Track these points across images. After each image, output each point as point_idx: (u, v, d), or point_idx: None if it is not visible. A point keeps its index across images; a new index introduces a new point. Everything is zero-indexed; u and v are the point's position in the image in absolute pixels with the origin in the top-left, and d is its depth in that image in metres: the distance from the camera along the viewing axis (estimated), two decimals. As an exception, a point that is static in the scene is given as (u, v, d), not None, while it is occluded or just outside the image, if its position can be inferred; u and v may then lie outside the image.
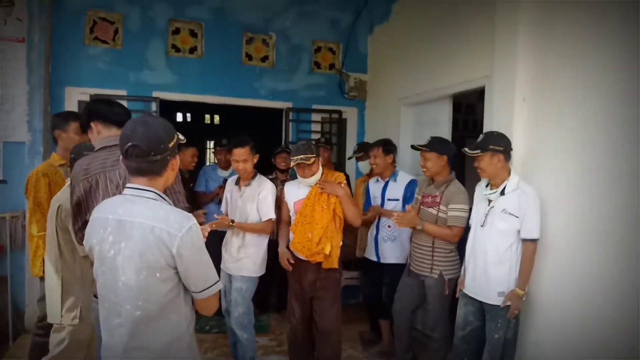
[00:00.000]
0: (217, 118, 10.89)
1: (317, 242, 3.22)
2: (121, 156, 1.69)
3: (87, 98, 4.68)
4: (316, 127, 5.53)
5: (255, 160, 3.46)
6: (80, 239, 2.39)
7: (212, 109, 9.07)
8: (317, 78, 5.50)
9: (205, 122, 10.72)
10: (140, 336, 1.66)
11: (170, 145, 1.70)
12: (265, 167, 4.23)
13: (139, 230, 1.62)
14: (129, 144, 1.64)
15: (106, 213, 1.70)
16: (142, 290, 1.64)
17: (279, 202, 3.59)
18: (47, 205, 2.92)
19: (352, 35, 5.55)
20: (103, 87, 4.72)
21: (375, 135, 5.00)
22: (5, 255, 4.21)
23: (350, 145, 5.51)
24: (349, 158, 5.17)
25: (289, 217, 3.43)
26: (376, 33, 5.49)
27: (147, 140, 1.65)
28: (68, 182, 2.69)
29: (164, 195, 1.73)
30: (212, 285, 1.72)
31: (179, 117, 10.05)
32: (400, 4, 4.99)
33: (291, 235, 3.37)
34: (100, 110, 2.30)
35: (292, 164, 3.24)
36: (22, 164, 4.30)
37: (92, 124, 2.30)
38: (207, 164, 8.76)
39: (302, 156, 3.17)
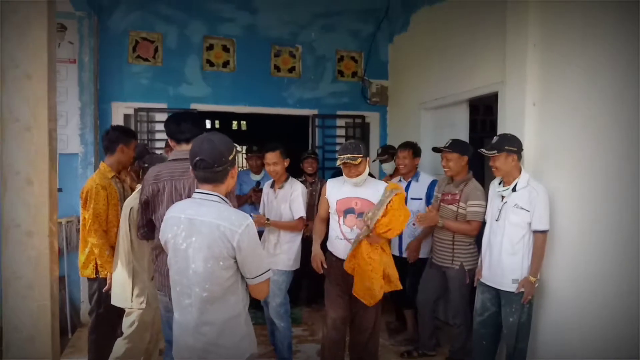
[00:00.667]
0: (243, 124, 11.26)
1: (379, 289, 3.17)
2: (191, 167, 2.08)
3: (131, 111, 5.13)
4: (340, 132, 5.87)
5: (286, 164, 3.81)
6: (142, 235, 2.80)
7: (240, 116, 9.48)
8: (341, 86, 5.85)
9: (233, 128, 11.08)
10: (206, 313, 2.04)
11: (230, 157, 2.08)
12: (293, 171, 4.58)
13: (206, 227, 2.00)
14: (197, 158, 2.03)
15: (179, 213, 2.09)
16: (208, 276, 2.01)
17: (312, 200, 3.74)
18: (104, 216, 3.27)
19: (373, 45, 5.89)
20: (146, 101, 5.15)
21: (397, 138, 5.32)
22: (62, 257, 4.65)
23: (374, 148, 5.83)
24: (374, 160, 5.50)
25: (327, 214, 3.45)
26: (396, 42, 5.81)
27: (211, 155, 2.02)
28: (138, 187, 3.10)
29: (225, 199, 2.11)
30: (263, 273, 2.08)
31: (208, 124, 10.42)
32: (418, 14, 5.30)
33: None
34: (170, 130, 2.70)
35: (338, 162, 3.23)
36: (76, 174, 4.76)
37: (168, 140, 2.72)
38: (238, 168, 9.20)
39: (348, 155, 3.16)
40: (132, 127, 5.10)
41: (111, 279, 3.21)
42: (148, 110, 5.14)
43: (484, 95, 4.20)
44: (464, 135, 4.60)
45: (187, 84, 5.31)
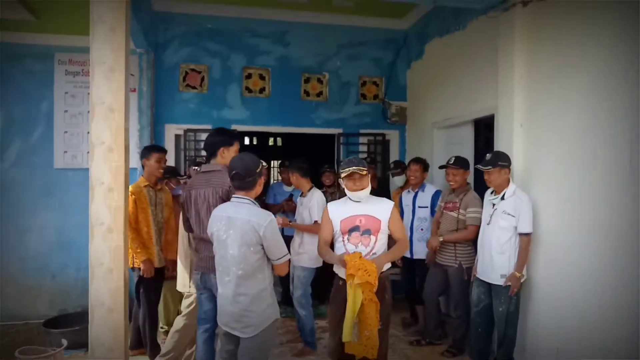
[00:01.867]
0: (279, 141, 12.04)
1: (375, 341, 3.09)
2: (229, 177, 2.83)
3: (181, 132, 5.99)
4: (363, 148, 6.55)
5: (307, 177, 4.51)
6: (186, 228, 3.55)
7: (275, 134, 10.27)
8: (364, 107, 6.54)
9: (269, 144, 11.88)
10: (241, 287, 2.75)
11: (257, 171, 2.82)
12: (320, 183, 5.27)
13: (240, 222, 2.72)
14: (233, 172, 2.78)
15: (221, 212, 2.83)
16: (242, 259, 2.73)
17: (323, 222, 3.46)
18: (133, 217, 4.04)
19: (393, 70, 6.57)
20: (193, 123, 5.99)
21: (414, 153, 5.94)
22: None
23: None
24: (386, 173, 6.14)
25: (331, 237, 3.34)
26: (413, 68, 6.47)
27: (243, 169, 2.77)
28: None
29: (254, 201, 2.84)
30: (284, 256, 2.78)
31: (247, 141, 11.20)
32: (431, 45, 5.96)
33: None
34: (209, 144, 3.48)
35: (343, 175, 3.21)
36: (135, 185, 5.61)
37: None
38: (272, 180, 9.99)
39: (354, 167, 3.16)
40: (182, 146, 5.96)
41: (143, 265, 4.03)
42: (195, 131, 5.97)
43: (484, 116, 4.79)
44: (469, 152, 5.20)
45: (229, 108, 6.13)
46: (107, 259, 3.30)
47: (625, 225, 3.10)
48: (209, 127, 5.99)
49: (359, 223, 3.22)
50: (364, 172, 3.18)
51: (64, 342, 3.77)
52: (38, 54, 5.50)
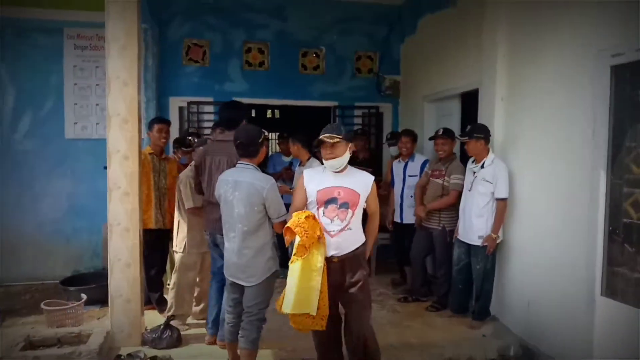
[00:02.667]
0: (277, 113, 12.26)
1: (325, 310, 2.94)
2: (235, 146, 3.17)
3: (184, 104, 6.29)
4: (358, 120, 6.87)
5: (307, 149, 4.85)
6: (197, 190, 3.91)
7: (273, 107, 10.51)
8: (359, 81, 6.83)
9: (267, 117, 12.12)
10: (245, 241, 3.13)
11: (259, 140, 3.17)
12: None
13: (245, 185, 3.08)
14: (238, 141, 3.13)
15: (228, 177, 3.19)
16: (246, 217, 3.10)
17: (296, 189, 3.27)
18: (144, 179, 4.29)
19: (387, 45, 6.83)
20: (196, 96, 6.29)
21: (406, 125, 6.24)
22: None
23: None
24: (383, 143, 6.48)
25: (303, 205, 3.13)
26: (406, 43, 6.74)
27: (247, 138, 3.13)
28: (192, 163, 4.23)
29: (257, 167, 3.20)
30: (282, 215, 3.15)
31: (253, 113, 11.40)
32: (423, 20, 6.22)
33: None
34: (222, 116, 3.83)
35: (315, 142, 3.10)
36: (142, 155, 5.94)
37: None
38: (271, 151, 10.35)
39: (326, 135, 2.99)
40: (186, 117, 6.27)
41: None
42: (198, 103, 6.27)
43: (470, 90, 5.10)
44: (456, 124, 5.54)
45: (230, 81, 6.41)
46: (123, 220, 3.68)
47: (586, 193, 3.45)
48: (210, 99, 6.30)
49: (337, 195, 3.01)
50: (335, 140, 2.94)
51: (83, 296, 4.18)
52: (47, 28, 5.71)
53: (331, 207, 3.04)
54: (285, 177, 6.11)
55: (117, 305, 3.68)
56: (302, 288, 2.85)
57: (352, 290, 3.07)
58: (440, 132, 4.83)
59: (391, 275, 5.85)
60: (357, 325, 3.17)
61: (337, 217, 3.03)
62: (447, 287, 4.83)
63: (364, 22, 6.74)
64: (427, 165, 5.11)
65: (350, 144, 3.09)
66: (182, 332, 3.93)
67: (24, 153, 5.66)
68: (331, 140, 2.97)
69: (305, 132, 4.96)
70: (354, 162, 5.77)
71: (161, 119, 4.91)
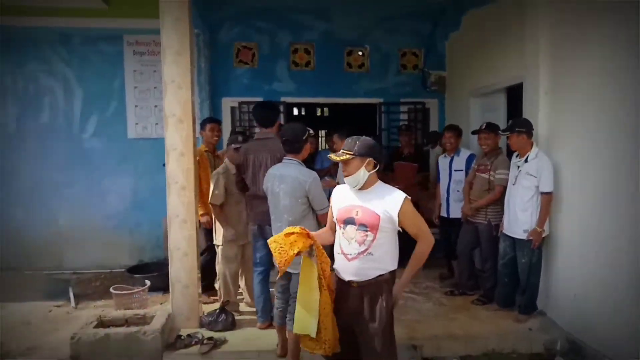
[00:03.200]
0: (326, 111, 12.50)
1: (328, 334, 2.72)
2: (281, 142, 3.40)
3: (236, 104, 6.61)
4: (404, 116, 6.95)
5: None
6: (239, 188, 4.16)
7: (323, 105, 10.76)
8: (404, 77, 6.91)
9: (317, 115, 12.39)
10: (292, 233, 3.34)
11: (304, 137, 3.38)
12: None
13: (290, 179, 3.30)
14: (284, 138, 3.36)
15: (274, 171, 3.42)
16: (291, 208, 3.31)
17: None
18: (203, 175, 4.64)
19: (432, 41, 6.88)
20: (246, 96, 6.59)
21: (452, 120, 6.29)
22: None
23: (434, 129, 6.86)
24: (424, 148, 6.52)
25: (334, 224, 2.93)
26: (451, 39, 6.76)
27: (293, 136, 3.34)
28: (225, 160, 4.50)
29: (301, 162, 3.40)
30: (325, 207, 3.34)
31: (295, 111, 11.73)
32: (467, 16, 6.23)
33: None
34: (256, 115, 4.07)
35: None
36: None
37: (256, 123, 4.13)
38: (320, 148, 10.60)
39: (334, 154, 2.82)
40: (237, 117, 6.58)
41: (202, 219, 4.66)
42: (248, 103, 6.57)
43: (515, 84, 5.08)
44: (502, 118, 5.52)
45: (278, 81, 6.68)
46: (181, 212, 3.98)
47: (631, 187, 3.41)
48: (260, 99, 6.56)
49: (355, 215, 2.75)
50: (344, 157, 2.72)
51: (147, 282, 4.55)
52: (109, 36, 6.16)
53: (349, 227, 2.77)
54: (333, 172, 6.29)
55: (177, 291, 4.00)
56: (301, 308, 2.75)
57: (372, 326, 2.72)
58: (483, 126, 4.87)
59: (439, 270, 5.91)
60: (371, 356, 2.74)
61: (354, 239, 2.74)
62: (493, 281, 4.86)
63: (408, 20, 6.81)
64: (474, 160, 5.14)
65: (368, 159, 2.72)
66: (236, 317, 4.19)
67: (91, 151, 6.16)
68: (338, 158, 2.74)
69: (349, 128, 5.12)
70: (399, 157, 6.00)
71: (212, 119, 5.24)
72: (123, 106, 6.21)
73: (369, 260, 2.72)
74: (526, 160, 4.29)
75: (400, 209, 2.71)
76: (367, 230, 2.71)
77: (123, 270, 5.53)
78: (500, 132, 4.37)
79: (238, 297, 4.63)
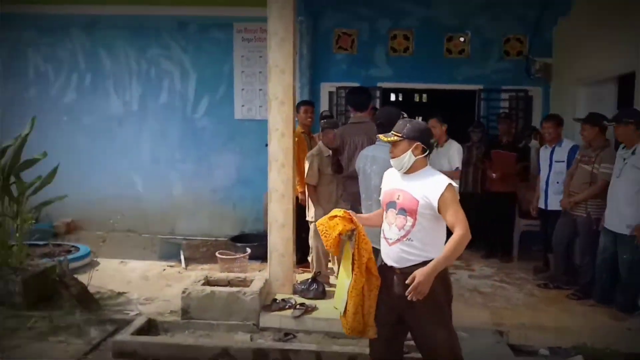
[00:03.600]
0: (424, 97, 12.36)
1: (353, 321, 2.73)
2: (376, 125, 3.56)
3: (334, 89, 6.85)
4: (504, 104, 6.77)
5: (443, 128, 5.05)
6: (334, 170, 4.39)
7: (420, 90, 10.71)
8: (506, 64, 6.72)
9: (415, 101, 12.31)
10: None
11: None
12: (460, 138, 5.69)
13: (382, 160, 3.45)
14: (379, 121, 3.50)
15: (367, 152, 3.61)
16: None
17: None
18: (300, 154, 4.87)
19: (538, 27, 6.59)
20: (344, 81, 6.80)
21: (558, 110, 6.01)
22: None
23: (536, 118, 6.61)
24: (519, 144, 6.29)
25: None
26: (560, 24, 6.44)
27: (386, 119, 3.48)
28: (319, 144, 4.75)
29: (394, 145, 3.55)
30: None
31: (392, 97, 11.77)
32: (579, 1, 5.90)
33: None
34: (349, 100, 4.28)
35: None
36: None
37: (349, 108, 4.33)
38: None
39: (382, 134, 2.85)
40: (335, 102, 6.82)
41: (300, 195, 4.94)
42: (346, 88, 6.77)
43: (626, 73, 4.78)
44: (611, 109, 5.22)
45: (375, 67, 6.81)
46: (280, 188, 4.31)
47: None
48: (358, 84, 6.75)
49: (396, 199, 2.72)
50: (391, 139, 2.72)
51: (248, 250, 4.98)
52: (221, 24, 6.68)
53: (390, 211, 2.74)
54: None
55: (274, 259, 4.35)
56: (338, 284, 2.85)
57: (417, 312, 2.63)
58: (584, 117, 4.66)
59: (534, 262, 5.75)
60: (428, 349, 2.69)
61: (394, 224, 2.70)
62: (590, 276, 4.67)
63: (513, 5, 6.59)
64: (577, 151, 4.93)
65: (416, 143, 2.66)
66: (326, 289, 4.47)
67: (202, 130, 6.77)
68: (385, 139, 2.76)
69: (446, 113, 5.16)
70: (497, 146, 5.89)
71: (306, 102, 5.56)
72: (231, 89, 6.71)
73: (408, 246, 2.65)
74: (633, 153, 4.07)
75: (441, 195, 2.59)
76: (406, 215, 2.66)
77: (226, 239, 6.06)
78: (606, 122, 4.17)
79: (327, 270, 4.91)
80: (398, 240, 2.68)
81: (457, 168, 4.99)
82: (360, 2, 6.73)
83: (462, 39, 6.72)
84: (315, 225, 4.66)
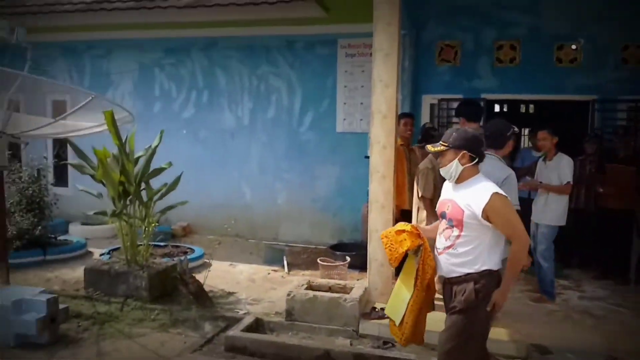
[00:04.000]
0: (531, 108, 11.83)
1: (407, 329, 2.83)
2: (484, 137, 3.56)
3: (435, 101, 6.84)
4: (622, 115, 6.30)
5: (554, 141, 4.84)
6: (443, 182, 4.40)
7: (527, 101, 10.29)
8: (624, 72, 6.25)
9: (521, 112, 11.82)
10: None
11: (508, 134, 3.47)
12: (572, 152, 5.40)
13: (484, 172, 3.41)
14: (487, 133, 3.49)
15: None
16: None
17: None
18: (399, 166, 4.93)
19: (662, 31, 6.09)
20: (446, 93, 6.76)
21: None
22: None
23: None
24: None
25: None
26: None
27: (495, 131, 3.48)
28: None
29: (501, 159, 3.51)
30: (514, 206, 3.38)
31: (497, 108, 11.41)
32: None
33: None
34: (461, 111, 4.28)
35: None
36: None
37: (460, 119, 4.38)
38: (522, 146, 10.18)
39: (430, 144, 2.89)
40: (436, 114, 6.81)
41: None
42: (448, 100, 6.74)
43: None
44: None
45: (479, 78, 6.69)
46: (381, 198, 4.43)
47: None
48: (459, 96, 6.68)
49: (446, 209, 2.76)
50: (437, 148, 2.76)
51: (348, 258, 5.13)
52: (326, 41, 6.98)
53: (443, 221, 2.79)
54: (533, 171, 6.07)
55: (373, 268, 4.46)
56: (395, 296, 2.91)
57: (450, 313, 2.74)
58: None
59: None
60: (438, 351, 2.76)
61: (443, 233, 2.76)
62: None
63: (633, 9, 6.13)
64: None
65: (462, 152, 2.67)
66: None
67: (306, 142, 7.11)
68: (432, 149, 2.80)
69: (556, 125, 4.96)
70: (614, 160, 5.51)
71: (406, 114, 5.61)
72: (334, 103, 6.98)
73: (453, 257, 2.68)
74: None
75: (486, 204, 2.56)
76: (452, 226, 2.69)
77: (326, 247, 6.28)
78: None
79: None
80: (445, 249, 2.72)
81: (569, 182, 4.76)
82: (463, 13, 6.67)
83: (574, 47, 6.39)
84: None
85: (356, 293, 4.21)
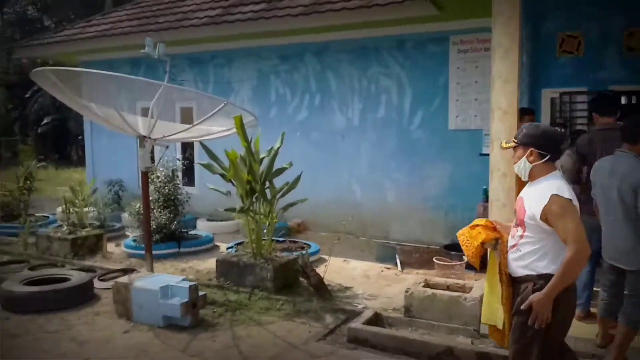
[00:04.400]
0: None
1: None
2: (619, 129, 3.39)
3: (557, 96, 6.49)
4: None
5: None
6: (575, 178, 4.19)
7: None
8: None
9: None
10: (625, 227, 3.30)
11: None
12: None
13: (620, 173, 3.26)
14: (623, 126, 3.32)
15: (605, 163, 3.45)
16: (621, 203, 3.27)
17: None
18: None
19: None
20: (568, 87, 6.39)
21: None
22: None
23: None
24: None
25: None
26: None
27: (633, 127, 3.27)
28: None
29: (637, 156, 3.30)
30: None
31: (623, 100, 10.57)
32: None
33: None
34: (595, 106, 4.08)
35: None
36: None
37: (592, 114, 4.24)
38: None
39: (504, 140, 2.97)
40: (557, 108, 6.47)
41: None
42: (570, 93, 6.38)
43: None
44: None
45: (605, 69, 6.24)
46: (502, 197, 4.34)
47: None
48: (583, 89, 6.30)
49: (516, 207, 2.74)
50: (508, 145, 2.72)
51: (464, 258, 5.08)
52: (437, 38, 6.94)
53: (514, 220, 2.76)
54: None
55: (493, 268, 4.39)
56: (489, 299, 2.80)
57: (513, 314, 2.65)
58: None
59: None
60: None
61: (511, 231, 2.74)
62: None
63: None
64: None
65: (530, 149, 2.58)
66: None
67: (416, 141, 7.14)
68: (505, 145, 2.75)
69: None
70: None
71: (526, 109, 5.40)
72: (446, 101, 6.91)
73: (517, 256, 2.62)
74: None
75: (545, 207, 2.46)
76: (517, 225, 2.64)
77: (438, 247, 6.25)
78: None
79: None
80: (510, 248, 2.68)
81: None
82: (587, 2, 6.27)
83: None
84: None
85: (476, 293, 4.18)
